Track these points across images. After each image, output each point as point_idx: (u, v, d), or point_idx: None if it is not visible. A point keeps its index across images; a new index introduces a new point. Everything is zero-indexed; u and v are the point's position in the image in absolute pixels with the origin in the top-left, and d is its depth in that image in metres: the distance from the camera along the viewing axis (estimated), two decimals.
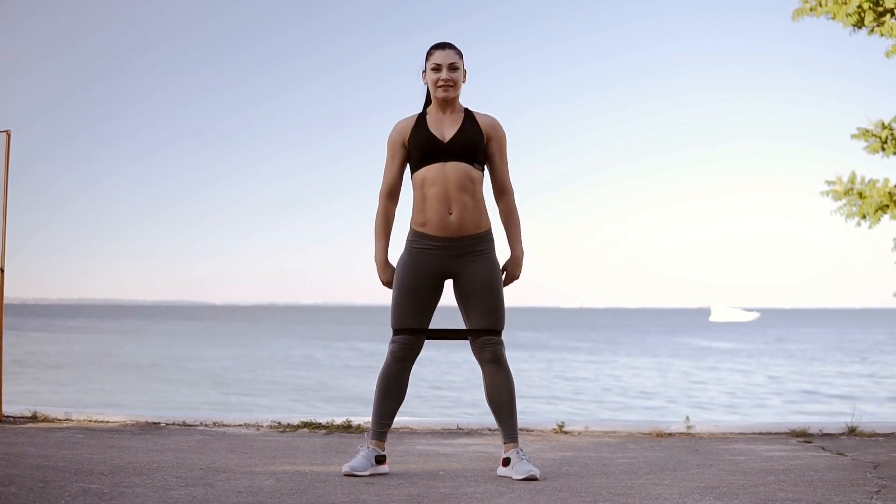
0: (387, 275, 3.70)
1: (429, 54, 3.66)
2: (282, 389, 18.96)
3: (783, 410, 15.50)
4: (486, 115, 3.70)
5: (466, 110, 3.68)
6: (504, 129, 3.71)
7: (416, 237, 3.64)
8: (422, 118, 3.67)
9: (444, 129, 3.61)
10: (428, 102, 3.72)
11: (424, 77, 3.70)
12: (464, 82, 3.68)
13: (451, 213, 3.56)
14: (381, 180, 3.71)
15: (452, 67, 3.61)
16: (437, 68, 3.61)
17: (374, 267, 3.72)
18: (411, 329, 3.62)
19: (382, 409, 3.64)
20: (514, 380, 3.66)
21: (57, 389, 17.74)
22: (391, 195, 3.69)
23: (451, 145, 3.57)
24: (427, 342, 3.72)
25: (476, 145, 3.59)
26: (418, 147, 3.59)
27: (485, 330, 3.61)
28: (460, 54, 3.65)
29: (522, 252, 3.74)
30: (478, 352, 3.63)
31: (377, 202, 3.70)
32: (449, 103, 3.64)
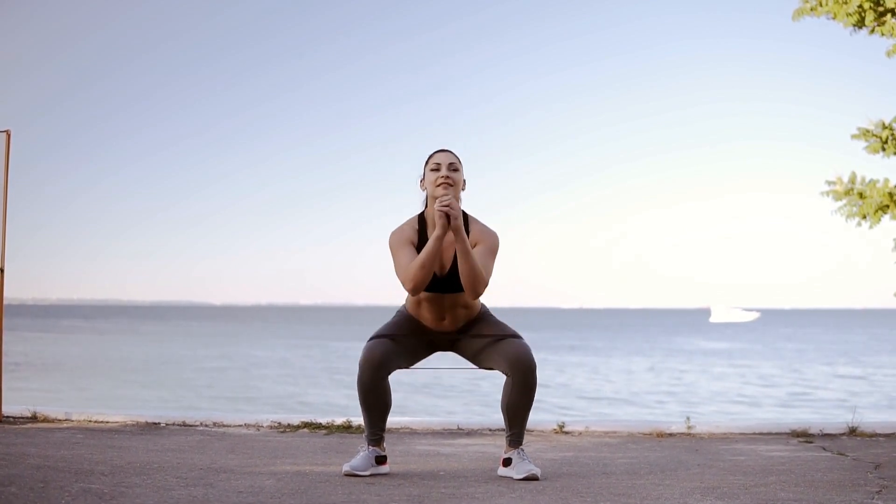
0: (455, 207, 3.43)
1: (428, 159, 3.62)
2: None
3: (782, 411, 15.50)
4: (482, 227, 3.62)
5: (465, 219, 3.61)
6: (498, 238, 3.62)
7: (411, 320, 3.69)
8: (422, 234, 3.59)
9: (443, 253, 3.54)
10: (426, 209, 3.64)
11: (422, 184, 3.65)
12: (463, 190, 3.62)
13: (444, 320, 3.64)
14: (398, 274, 3.54)
15: (452, 168, 3.56)
16: (437, 168, 3.57)
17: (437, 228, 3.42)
18: (385, 335, 3.59)
19: (371, 418, 3.59)
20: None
21: (57, 390, 17.74)
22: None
23: (448, 281, 3.54)
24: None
25: None
26: None
27: (511, 335, 3.60)
28: (461, 160, 3.62)
29: (465, 241, 3.42)
30: (509, 356, 3.52)
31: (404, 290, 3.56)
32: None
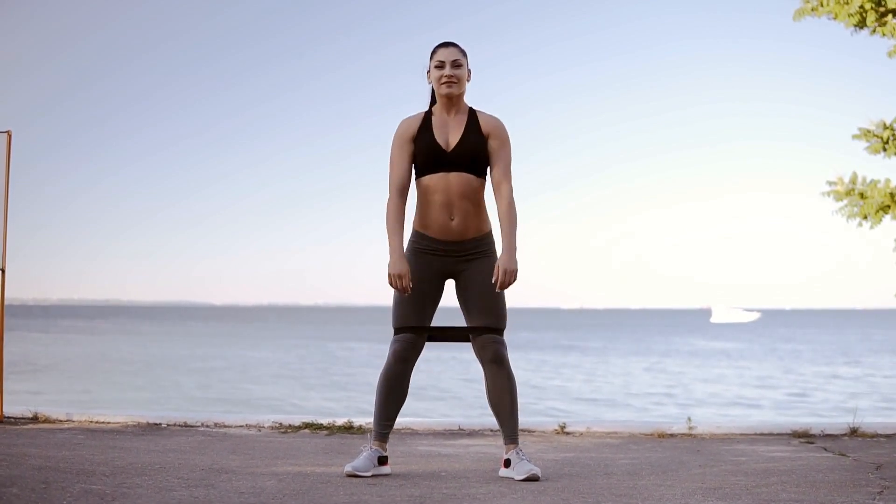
0: (402, 267, 3.52)
1: (433, 53, 3.67)
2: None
3: (783, 411, 15.49)
4: (490, 116, 3.68)
5: (471, 111, 3.67)
6: (507, 128, 3.69)
7: (418, 238, 3.65)
8: (427, 119, 3.66)
9: (449, 134, 3.61)
10: (433, 103, 3.72)
11: (429, 77, 3.70)
12: (468, 81, 3.67)
13: (452, 220, 3.59)
14: (389, 175, 3.62)
15: (456, 64, 3.61)
16: (441, 65, 3.61)
17: (388, 261, 3.54)
18: (413, 327, 3.61)
19: (384, 411, 3.62)
20: (516, 380, 3.66)
21: (58, 390, 17.74)
22: (402, 191, 3.61)
23: (454, 155, 3.56)
24: (427, 344, 3.72)
25: (478, 154, 3.59)
26: (422, 154, 3.59)
27: (486, 328, 3.60)
28: (464, 53, 3.66)
29: (515, 248, 3.54)
30: (479, 351, 3.62)
31: (388, 196, 3.60)
32: (453, 103, 3.64)
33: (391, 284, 3.53)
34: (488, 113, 3.70)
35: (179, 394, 17.92)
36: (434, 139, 3.59)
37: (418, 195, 3.65)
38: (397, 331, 3.63)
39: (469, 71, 3.67)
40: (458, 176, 3.57)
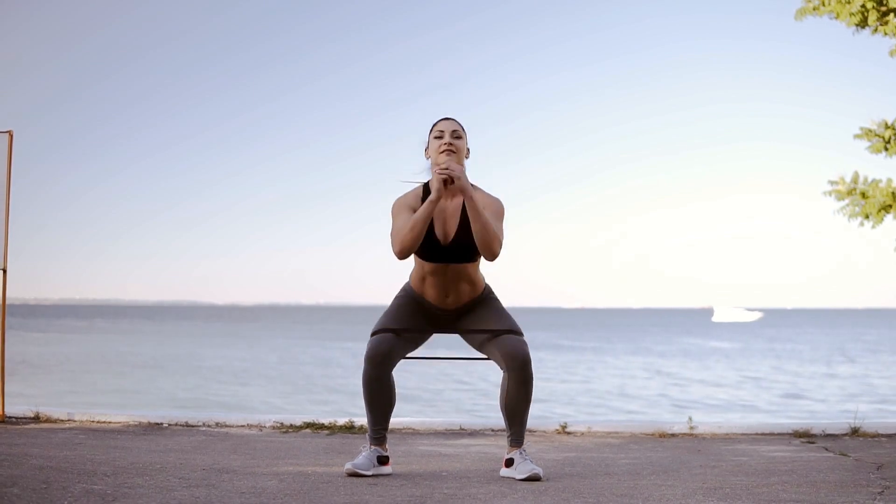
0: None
1: (433, 126, 3.65)
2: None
3: (784, 411, 15.49)
4: (487, 197, 3.62)
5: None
6: (503, 206, 3.63)
7: (415, 295, 3.68)
8: (425, 200, 3.56)
9: (446, 221, 3.54)
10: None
11: (427, 152, 3.67)
12: (467, 158, 3.63)
13: (448, 297, 3.63)
14: (393, 241, 3.51)
15: (455, 135, 3.58)
16: (440, 135, 3.59)
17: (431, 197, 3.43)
18: (388, 329, 3.58)
19: (375, 416, 3.58)
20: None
21: (59, 390, 17.75)
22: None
23: (451, 250, 3.53)
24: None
25: (475, 246, 3.53)
26: (420, 245, 3.53)
27: (507, 330, 3.58)
28: (464, 129, 3.64)
29: (473, 198, 3.41)
30: (504, 354, 3.51)
31: (392, 253, 3.52)
32: (451, 179, 3.52)
33: (441, 175, 3.44)
34: (488, 192, 3.64)
35: (182, 393, 17.92)
36: (432, 231, 3.53)
37: (415, 263, 3.65)
38: (372, 334, 3.60)
39: (468, 149, 3.64)
40: (455, 266, 3.57)
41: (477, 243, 3.45)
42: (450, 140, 3.56)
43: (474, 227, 3.43)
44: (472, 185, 3.59)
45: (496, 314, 3.64)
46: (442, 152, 3.55)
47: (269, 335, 50.82)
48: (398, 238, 3.47)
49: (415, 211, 3.55)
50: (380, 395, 3.53)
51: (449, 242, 3.54)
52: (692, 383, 21.07)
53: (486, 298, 3.70)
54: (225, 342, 41.28)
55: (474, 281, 3.64)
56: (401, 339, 3.58)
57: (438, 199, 3.45)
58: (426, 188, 3.63)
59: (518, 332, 3.59)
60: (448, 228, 3.55)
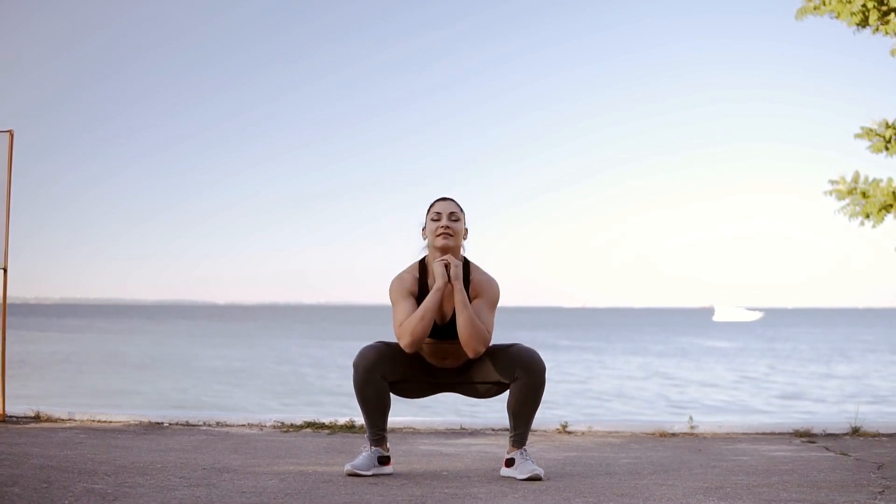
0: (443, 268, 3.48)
1: (430, 207, 3.63)
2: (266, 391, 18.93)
3: (784, 410, 15.49)
4: (483, 275, 3.61)
5: (466, 266, 3.61)
6: (498, 288, 3.62)
7: (416, 355, 3.65)
8: (423, 282, 3.59)
9: (444, 301, 3.53)
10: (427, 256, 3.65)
11: (424, 232, 3.65)
12: (465, 239, 3.63)
13: (446, 359, 3.62)
14: (394, 323, 3.51)
15: (453, 217, 3.57)
16: (438, 217, 3.57)
17: (436, 286, 3.46)
18: (379, 341, 3.57)
19: (370, 419, 3.57)
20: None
21: (60, 389, 17.75)
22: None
23: (449, 329, 3.53)
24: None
25: None
26: None
27: (515, 343, 3.57)
28: (462, 209, 3.63)
29: (463, 301, 3.44)
30: (517, 358, 3.49)
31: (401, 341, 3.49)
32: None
33: (447, 270, 3.47)
34: (484, 271, 3.63)
35: (183, 393, 17.92)
36: None
37: None
38: (365, 345, 3.59)
39: (466, 229, 3.63)
40: (452, 343, 3.56)
41: (460, 338, 3.45)
42: (447, 223, 3.54)
43: (459, 321, 3.44)
44: (472, 264, 3.62)
45: (500, 358, 3.55)
46: (439, 235, 3.53)
47: (269, 335, 50.82)
48: (408, 330, 3.44)
49: (414, 295, 3.54)
50: (372, 399, 3.52)
51: (446, 322, 3.55)
52: (692, 383, 21.07)
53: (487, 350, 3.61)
54: (225, 342, 41.28)
55: None
56: (390, 352, 3.54)
57: (444, 287, 3.45)
58: (421, 266, 3.62)
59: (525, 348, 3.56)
60: (445, 310, 3.55)
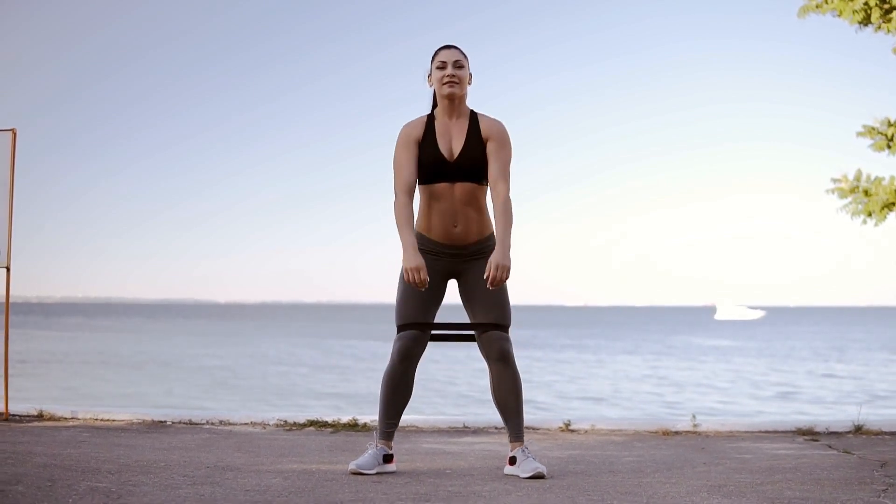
0: (418, 260, 3.42)
1: (434, 55, 3.67)
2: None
3: (787, 409, 15.48)
4: (490, 119, 3.66)
5: (472, 115, 3.66)
6: (507, 130, 3.67)
7: (420, 240, 3.64)
8: (430, 125, 3.64)
9: (452, 141, 3.59)
10: (435, 107, 3.70)
11: (430, 80, 3.70)
12: (469, 84, 3.67)
13: (456, 226, 3.60)
14: (395, 178, 3.59)
15: (458, 65, 3.61)
16: (443, 66, 3.61)
17: (403, 257, 3.47)
18: (417, 324, 3.61)
19: (389, 409, 3.62)
20: (521, 378, 3.65)
21: (62, 388, 17.76)
22: (409, 192, 3.56)
23: (457, 166, 3.56)
24: (431, 344, 3.71)
25: (481, 163, 3.58)
26: (426, 164, 3.58)
27: (491, 324, 3.59)
28: (466, 56, 3.66)
29: (509, 246, 3.46)
30: (484, 348, 3.61)
31: (394, 198, 3.56)
32: (455, 105, 3.62)
33: (408, 279, 3.43)
34: (490, 116, 3.69)
35: (185, 392, 17.93)
36: (437, 149, 3.58)
37: (421, 200, 3.65)
38: (400, 328, 3.63)
39: (470, 74, 3.67)
40: (462, 185, 3.57)
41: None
42: (452, 71, 3.59)
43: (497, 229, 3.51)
44: (472, 112, 3.66)
45: (492, 298, 3.59)
46: (445, 84, 3.59)
47: (269, 334, 50.81)
48: (394, 202, 3.56)
49: (418, 142, 3.60)
50: (403, 388, 3.60)
51: (455, 159, 3.57)
52: (693, 382, 21.06)
53: (493, 247, 3.64)
54: (224, 342, 41.29)
55: (481, 209, 3.62)
56: (426, 334, 3.62)
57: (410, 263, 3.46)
58: (430, 116, 3.67)
59: (503, 327, 3.60)
60: (454, 145, 3.59)
